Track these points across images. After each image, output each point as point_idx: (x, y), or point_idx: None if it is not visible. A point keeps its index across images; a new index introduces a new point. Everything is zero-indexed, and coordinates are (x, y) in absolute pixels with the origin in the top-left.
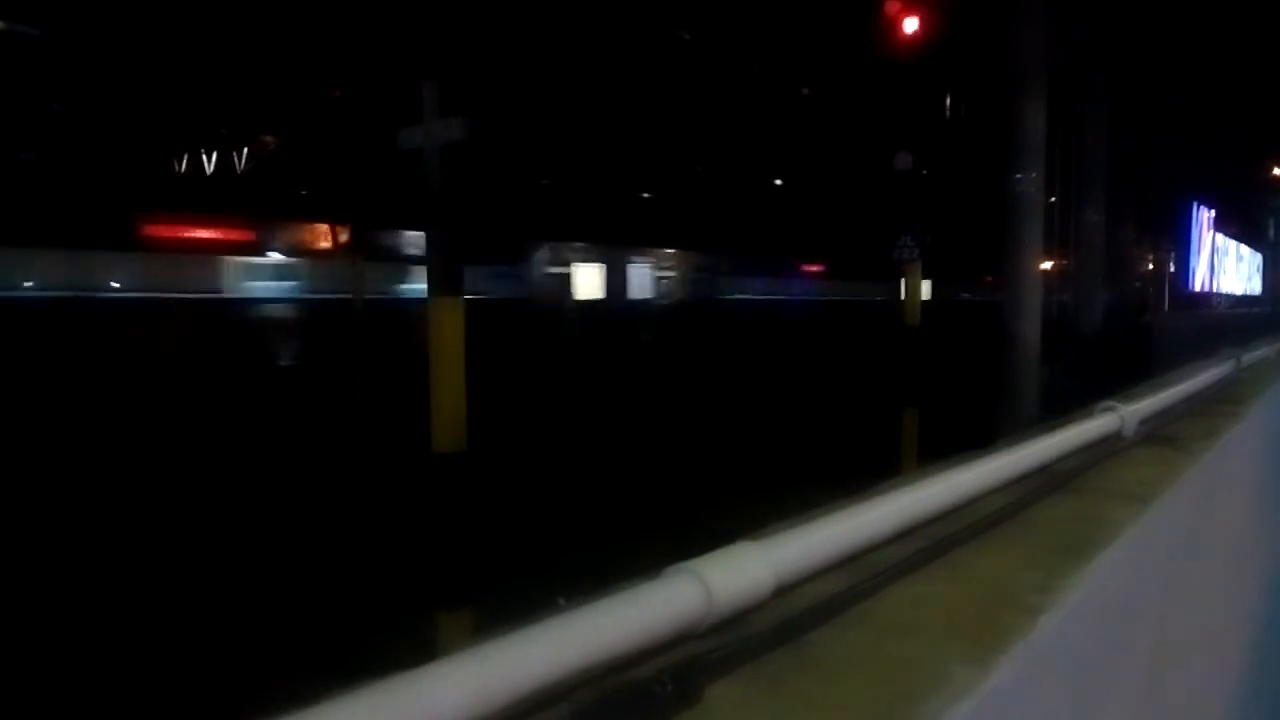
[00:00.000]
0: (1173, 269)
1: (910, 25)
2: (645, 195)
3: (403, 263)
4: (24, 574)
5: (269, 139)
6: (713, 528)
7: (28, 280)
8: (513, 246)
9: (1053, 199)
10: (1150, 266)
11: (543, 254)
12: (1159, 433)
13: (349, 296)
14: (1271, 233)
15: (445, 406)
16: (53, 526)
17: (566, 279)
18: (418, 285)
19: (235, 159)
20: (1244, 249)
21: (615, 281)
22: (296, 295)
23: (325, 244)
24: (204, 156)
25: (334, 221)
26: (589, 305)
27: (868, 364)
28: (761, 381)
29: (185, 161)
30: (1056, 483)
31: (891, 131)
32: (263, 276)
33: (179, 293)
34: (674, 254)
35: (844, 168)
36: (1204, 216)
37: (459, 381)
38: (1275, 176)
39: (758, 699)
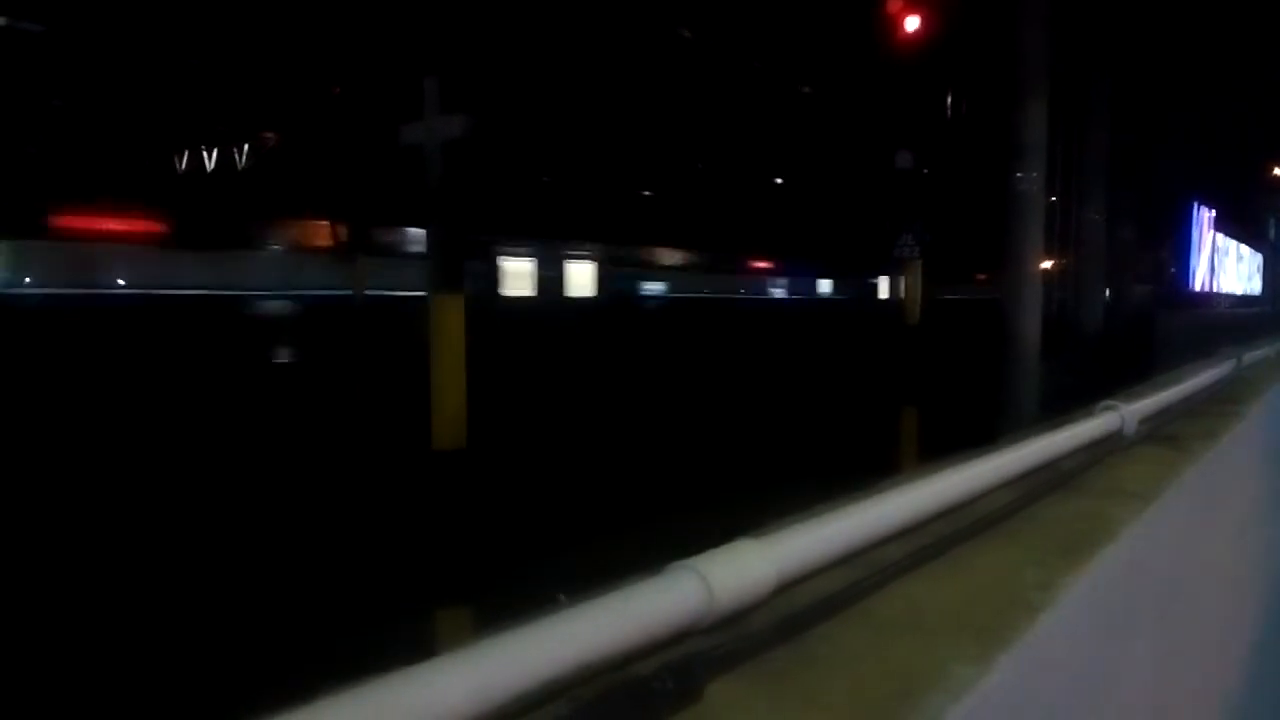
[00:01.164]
0: (1173, 268)
1: (912, 24)
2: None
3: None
4: None
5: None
6: None
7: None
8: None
9: (1054, 198)
10: (1151, 266)
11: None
12: (1160, 432)
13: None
14: (1272, 233)
15: (446, 405)
16: None
17: (876, 286)
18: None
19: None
20: (1244, 249)
21: (894, 288)
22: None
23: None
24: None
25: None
26: (886, 301)
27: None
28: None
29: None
30: (1058, 481)
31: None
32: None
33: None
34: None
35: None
36: (1204, 216)
37: (460, 379)
38: (1276, 176)
39: (759, 696)
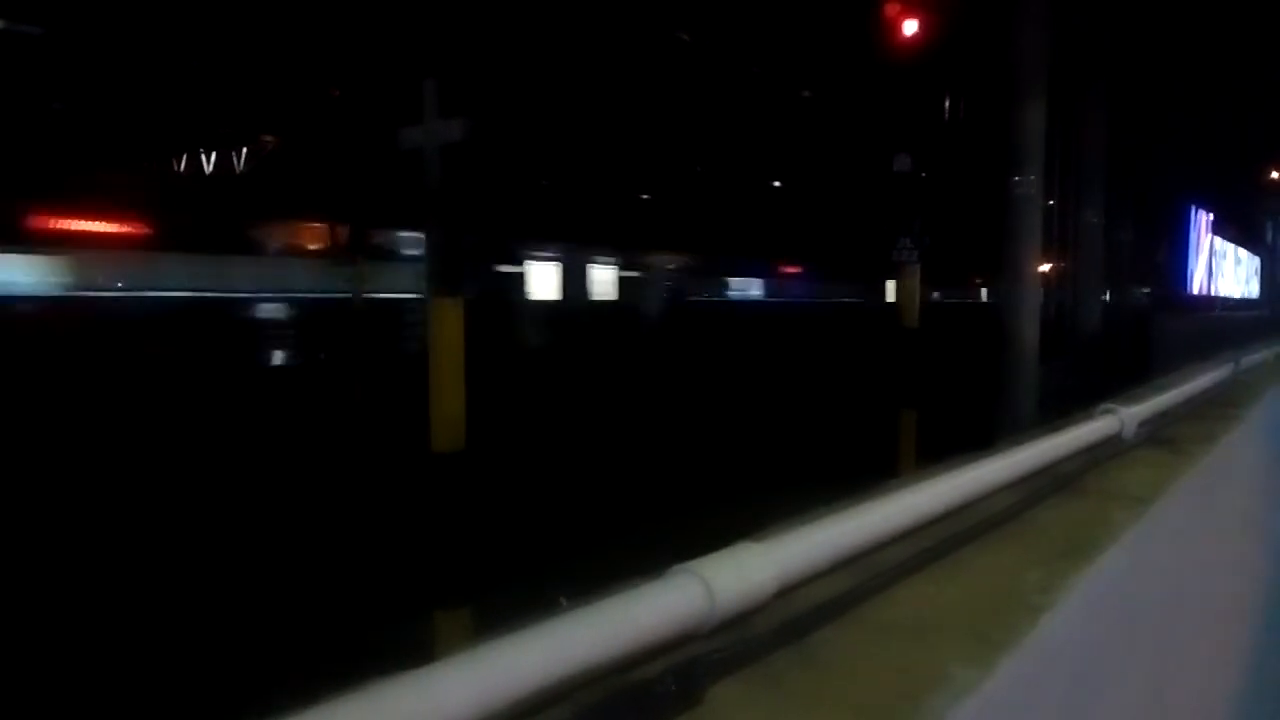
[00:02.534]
0: (1170, 272)
1: (910, 27)
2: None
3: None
4: None
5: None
6: None
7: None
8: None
9: (1051, 201)
10: (1149, 269)
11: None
12: (1158, 435)
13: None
14: (1270, 236)
15: (444, 405)
16: None
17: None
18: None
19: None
20: (1242, 252)
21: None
22: None
23: None
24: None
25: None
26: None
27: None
28: None
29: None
30: (1057, 484)
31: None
32: None
33: None
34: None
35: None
36: (1202, 219)
37: (459, 381)
38: (1274, 180)
39: (760, 699)
